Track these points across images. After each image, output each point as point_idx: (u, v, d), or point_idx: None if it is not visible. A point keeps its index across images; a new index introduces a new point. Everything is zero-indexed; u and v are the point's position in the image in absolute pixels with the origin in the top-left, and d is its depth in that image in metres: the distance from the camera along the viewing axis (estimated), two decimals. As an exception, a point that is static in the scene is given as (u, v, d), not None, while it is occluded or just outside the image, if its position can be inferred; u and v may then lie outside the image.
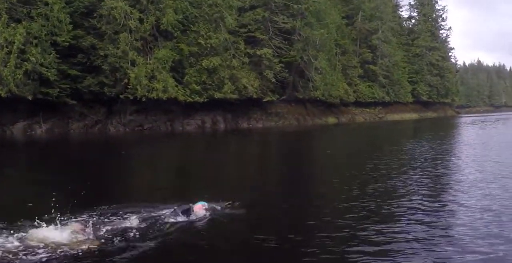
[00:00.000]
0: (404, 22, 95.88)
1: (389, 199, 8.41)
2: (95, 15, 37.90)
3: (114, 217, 7.30)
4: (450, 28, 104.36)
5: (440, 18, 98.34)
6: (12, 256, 5.51)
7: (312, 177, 13.06)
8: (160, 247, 6.06)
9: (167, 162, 18.81)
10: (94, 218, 7.19)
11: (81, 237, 6.26)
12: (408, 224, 6.66)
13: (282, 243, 5.85)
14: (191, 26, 43.39)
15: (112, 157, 19.87)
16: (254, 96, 48.25)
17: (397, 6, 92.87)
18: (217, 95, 43.75)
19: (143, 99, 37.64)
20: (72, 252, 5.68)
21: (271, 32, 52.45)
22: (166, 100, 39.25)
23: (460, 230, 6.28)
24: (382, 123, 63.93)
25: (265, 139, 32.53)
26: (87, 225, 6.62)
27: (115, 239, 6.23)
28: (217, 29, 44.54)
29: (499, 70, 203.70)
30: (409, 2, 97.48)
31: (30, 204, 8.58)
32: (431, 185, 9.87)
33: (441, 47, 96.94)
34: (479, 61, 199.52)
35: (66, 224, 6.57)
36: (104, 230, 6.61)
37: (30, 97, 32.68)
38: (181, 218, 7.34)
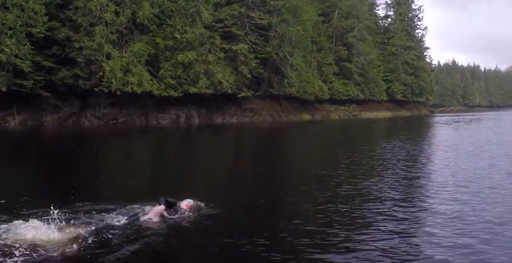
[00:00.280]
0: (380, 21, 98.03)
1: (360, 202, 8.33)
2: (70, 7, 38.44)
3: (99, 214, 7.24)
4: (426, 27, 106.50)
5: (416, 18, 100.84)
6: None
7: (284, 177, 12.87)
8: (147, 244, 6.05)
9: (140, 158, 18.67)
10: (71, 215, 7.09)
11: (71, 234, 6.17)
12: (376, 229, 6.56)
13: (251, 247, 5.75)
14: (167, 20, 44.22)
15: (85, 151, 19.78)
16: (229, 91, 49.33)
17: (373, 5, 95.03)
18: (192, 90, 44.68)
19: (118, 93, 38.25)
20: (62, 250, 5.60)
21: (247, 28, 53.55)
22: (141, 94, 39.95)
23: (429, 236, 6.23)
24: (356, 121, 65.13)
25: (239, 136, 33.09)
26: (77, 222, 6.64)
27: (103, 236, 6.20)
28: (193, 23, 45.46)
29: (473, 71, 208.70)
30: (386, 1, 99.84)
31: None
32: (402, 188, 9.81)
33: (417, 46, 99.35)
34: (454, 61, 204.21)
35: (56, 222, 6.47)
36: (90, 227, 6.50)
37: (4, 89, 33.12)
38: (165, 214, 7.31)
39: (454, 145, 20.97)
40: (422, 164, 14.55)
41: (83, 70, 38.18)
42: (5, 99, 34.74)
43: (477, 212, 7.49)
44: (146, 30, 42.36)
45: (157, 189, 9.94)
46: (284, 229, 6.68)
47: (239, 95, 52.09)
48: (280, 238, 6.28)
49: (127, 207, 7.61)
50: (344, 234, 6.35)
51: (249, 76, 52.47)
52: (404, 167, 13.19)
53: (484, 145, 20.68)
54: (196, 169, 14.66)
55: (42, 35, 35.71)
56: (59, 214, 6.64)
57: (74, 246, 5.76)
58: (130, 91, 38.70)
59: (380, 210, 7.69)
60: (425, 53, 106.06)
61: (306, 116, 65.04)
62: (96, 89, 38.11)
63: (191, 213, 7.50)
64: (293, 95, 59.42)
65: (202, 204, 7.85)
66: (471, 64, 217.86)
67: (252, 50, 53.65)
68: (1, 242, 5.80)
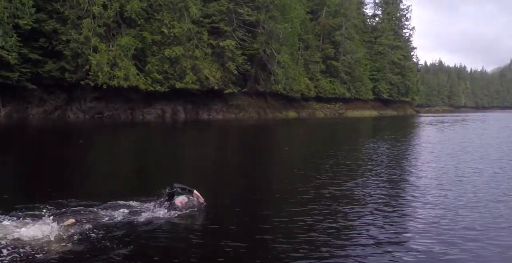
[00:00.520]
0: (368, 20, 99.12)
1: (342, 204, 8.36)
2: (58, -1, 38.53)
3: (84, 209, 7.30)
4: (413, 27, 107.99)
5: (404, 18, 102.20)
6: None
7: (266, 176, 12.81)
8: (135, 240, 6.10)
9: (125, 153, 18.56)
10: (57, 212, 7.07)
11: (73, 231, 6.18)
12: (357, 233, 6.58)
13: (231, 249, 5.78)
14: (155, 14, 44.67)
15: (69, 146, 19.61)
16: (216, 87, 49.95)
17: (361, 4, 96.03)
18: (179, 85, 45.25)
19: (104, 86, 38.64)
20: (63, 247, 5.64)
21: (235, 24, 54.19)
22: (127, 88, 40.38)
23: (410, 242, 6.28)
24: (342, 119, 65.59)
25: (225, 132, 33.38)
26: (78, 219, 6.63)
27: (104, 233, 6.21)
28: (181, 18, 45.99)
29: (460, 71, 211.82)
30: (374, 0, 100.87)
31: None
32: (386, 190, 9.77)
33: (404, 46, 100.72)
34: (440, 62, 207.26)
35: (58, 219, 6.53)
36: (92, 224, 6.54)
37: (-11, 81, 33.26)
38: (163, 211, 7.40)
39: (438, 147, 21.12)
40: (406, 165, 14.65)
41: (69, 63, 38.49)
42: (-9, 91, 34.86)
43: (460, 217, 7.53)
44: (133, 24, 42.78)
45: (141, 185, 10.20)
46: (264, 231, 6.67)
47: (225, 91, 52.74)
48: (260, 240, 6.27)
49: (111, 203, 7.65)
50: (324, 237, 6.33)
51: (235, 72, 53.17)
52: (388, 169, 13.19)
53: (468, 147, 20.82)
54: (180, 165, 14.84)
55: (29, 27, 35.96)
56: (44, 210, 6.86)
57: (61, 243, 5.75)
58: (116, 85, 39.09)
59: (362, 213, 7.70)
60: (412, 53, 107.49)
61: (292, 114, 65.86)
62: (82, 83, 38.44)
63: (184, 210, 7.51)
64: (279, 92, 60.23)
65: (195, 201, 7.86)
66: (458, 65, 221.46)
67: (240, 46, 54.32)
68: None
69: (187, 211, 7.52)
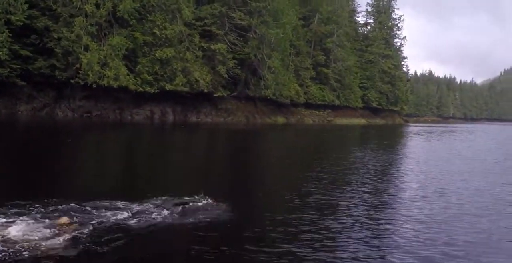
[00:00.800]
0: (359, 28, 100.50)
1: (326, 215, 8.35)
2: (51, -4, 38.79)
3: (71, 210, 7.33)
4: (404, 37, 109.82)
5: (396, 27, 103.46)
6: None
7: (252, 183, 12.81)
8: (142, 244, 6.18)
9: (112, 154, 18.46)
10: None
11: (68, 231, 6.23)
12: (339, 244, 6.63)
13: (214, 257, 5.85)
14: (148, 15, 45.10)
15: (56, 144, 19.58)
16: (205, 90, 50.42)
17: (354, 12, 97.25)
18: (168, 87, 45.68)
19: (94, 86, 38.91)
20: (58, 246, 5.67)
21: (227, 28, 54.78)
22: (116, 88, 40.69)
23: (396, 252, 6.35)
24: (330, 126, 66.43)
25: (213, 136, 33.53)
26: (73, 219, 6.66)
27: (99, 233, 6.32)
28: (173, 20, 46.51)
29: (449, 82, 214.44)
30: (366, 9, 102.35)
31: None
32: (370, 201, 9.84)
33: (394, 55, 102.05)
34: (430, 72, 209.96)
35: (52, 218, 6.63)
36: (89, 224, 6.65)
37: (-21, 76, 33.42)
38: (156, 213, 7.55)
39: (424, 158, 21.21)
40: (392, 176, 14.66)
41: (60, 61, 38.72)
42: (-20, 87, 35.00)
43: (442, 232, 7.55)
44: (125, 24, 43.14)
45: (127, 185, 10.37)
46: (249, 238, 6.66)
47: (215, 95, 53.22)
48: (245, 248, 6.24)
49: (99, 203, 7.79)
50: (305, 249, 6.33)
51: (226, 76, 53.77)
52: (374, 179, 13.19)
53: (455, 159, 20.97)
54: (165, 168, 14.79)
55: (21, 23, 36.12)
56: (31, 208, 6.98)
57: (51, 241, 5.78)
58: (106, 85, 39.38)
59: (345, 225, 7.72)
60: (402, 63, 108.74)
61: (281, 119, 66.54)
62: (72, 81, 38.68)
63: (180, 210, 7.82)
64: (269, 98, 60.89)
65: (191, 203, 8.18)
66: (448, 76, 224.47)
67: (231, 50, 54.93)
68: None
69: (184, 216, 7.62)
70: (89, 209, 7.47)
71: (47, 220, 6.55)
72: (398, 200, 10.33)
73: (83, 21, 39.02)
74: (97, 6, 40.24)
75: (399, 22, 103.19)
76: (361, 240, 6.84)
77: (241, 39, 56.74)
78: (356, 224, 7.76)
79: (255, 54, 57.12)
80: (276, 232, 7.05)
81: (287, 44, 63.72)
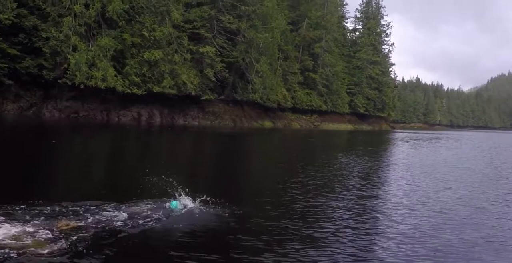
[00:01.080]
0: (348, 34, 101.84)
1: (310, 221, 8.35)
2: (40, -5, 38.97)
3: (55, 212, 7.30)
4: (393, 44, 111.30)
5: (384, 34, 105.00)
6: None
7: (236, 188, 12.72)
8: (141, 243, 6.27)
9: (98, 156, 18.21)
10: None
11: (68, 233, 6.27)
12: (323, 250, 6.66)
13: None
14: (137, 16, 45.46)
15: (42, 145, 19.44)
16: (193, 93, 50.88)
17: (343, 17, 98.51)
18: (156, 89, 46.03)
19: (81, 86, 39.04)
20: (59, 249, 5.67)
21: (215, 31, 55.36)
22: (104, 89, 40.88)
23: (378, 261, 6.38)
24: (317, 131, 66.96)
25: (199, 139, 33.55)
26: (72, 222, 6.73)
27: (99, 234, 6.39)
28: (162, 22, 46.89)
29: (436, 89, 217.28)
30: (355, 15, 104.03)
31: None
32: (355, 208, 9.85)
33: (382, 61, 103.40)
34: (418, 79, 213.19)
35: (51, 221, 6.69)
36: (89, 225, 6.72)
37: (-35, 74, 33.47)
38: (159, 214, 7.64)
39: (410, 165, 21.26)
40: (377, 183, 14.64)
41: (48, 61, 38.83)
42: (-34, 85, 35.06)
43: (426, 240, 7.57)
44: (114, 25, 43.37)
45: (112, 189, 10.21)
46: (230, 245, 6.65)
47: (202, 98, 53.68)
48: (226, 256, 6.22)
49: (80, 207, 7.72)
50: (290, 255, 6.34)
51: (213, 79, 54.25)
52: (358, 186, 13.24)
53: (440, 166, 21.01)
54: (152, 170, 13.76)
55: (10, 22, 36.18)
56: (17, 209, 6.98)
57: (39, 244, 5.75)
58: (93, 86, 39.50)
59: (329, 232, 7.73)
60: (390, 69, 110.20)
61: (268, 123, 67.23)
62: (59, 81, 38.79)
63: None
64: (256, 101, 61.49)
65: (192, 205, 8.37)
66: (435, 83, 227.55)
67: (219, 53, 55.42)
68: None
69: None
70: (78, 210, 7.44)
71: (40, 223, 6.50)
72: (382, 208, 10.23)
73: (72, 21, 39.17)
74: (86, 6, 40.42)
75: (387, 29, 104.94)
76: (343, 249, 6.84)
77: (230, 42, 57.37)
78: (339, 232, 7.76)
79: (243, 57, 57.75)
80: (259, 238, 7.00)
81: (276, 49, 64.49)
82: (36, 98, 40.04)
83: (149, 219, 7.41)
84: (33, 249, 5.56)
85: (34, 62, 38.38)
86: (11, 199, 7.71)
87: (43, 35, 38.52)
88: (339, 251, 6.69)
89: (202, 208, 8.47)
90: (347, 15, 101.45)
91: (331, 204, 10.16)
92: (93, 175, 13.11)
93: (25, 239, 5.85)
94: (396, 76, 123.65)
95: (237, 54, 57.43)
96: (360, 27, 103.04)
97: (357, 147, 33.09)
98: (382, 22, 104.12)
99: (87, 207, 7.77)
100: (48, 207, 7.47)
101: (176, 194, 8.52)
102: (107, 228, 6.75)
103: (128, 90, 43.43)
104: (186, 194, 8.71)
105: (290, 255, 6.33)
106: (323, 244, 7.00)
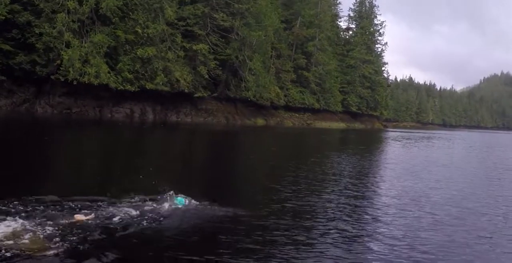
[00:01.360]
0: (341, 33, 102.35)
1: (303, 220, 8.40)
2: (34, -9, 39.01)
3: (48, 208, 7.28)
4: (386, 43, 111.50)
5: (377, 33, 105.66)
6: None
7: (226, 186, 12.63)
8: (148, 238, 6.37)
9: (90, 153, 18.05)
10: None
11: (91, 226, 6.49)
12: (311, 251, 6.64)
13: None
14: (130, 13, 45.62)
15: (34, 141, 19.30)
16: (186, 90, 51.13)
17: (336, 16, 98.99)
18: (149, 86, 46.25)
19: (74, 82, 39.09)
20: (57, 246, 5.66)
21: (209, 29, 55.61)
22: (97, 86, 40.96)
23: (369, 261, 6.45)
24: (309, 129, 67.50)
25: (192, 136, 33.77)
26: (89, 216, 6.86)
27: (99, 231, 6.43)
28: (156, 19, 47.10)
29: (429, 89, 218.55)
30: (349, 14, 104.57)
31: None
32: (345, 208, 9.81)
33: (375, 61, 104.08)
34: (410, 78, 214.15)
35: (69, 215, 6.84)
36: (103, 220, 6.85)
37: (-42, 69, 33.48)
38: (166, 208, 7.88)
39: (401, 164, 21.34)
40: (368, 182, 14.58)
41: (41, 57, 38.88)
42: (-41, 80, 35.07)
43: (416, 239, 7.63)
44: (108, 22, 43.46)
45: (105, 185, 10.04)
46: (220, 244, 6.63)
47: (195, 95, 53.94)
48: (215, 255, 6.20)
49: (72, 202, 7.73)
50: (281, 255, 6.33)
51: (206, 76, 54.53)
52: (350, 185, 13.27)
53: (431, 166, 21.11)
54: (141, 167, 14.55)
55: (3, 18, 36.09)
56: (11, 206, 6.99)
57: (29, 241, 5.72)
58: (86, 82, 39.59)
59: (320, 232, 7.74)
60: (383, 68, 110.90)
61: (260, 121, 67.62)
62: (52, 77, 38.84)
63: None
64: (249, 99, 61.85)
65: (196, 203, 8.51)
66: (428, 82, 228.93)
67: (212, 51, 55.68)
68: None
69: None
70: (73, 208, 7.43)
71: (37, 220, 6.49)
72: (373, 208, 10.20)
73: (65, 17, 39.20)
74: (80, 2, 40.40)
75: (380, 28, 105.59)
76: (333, 250, 6.80)
77: (223, 40, 57.62)
78: (329, 233, 7.73)
79: (237, 55, 58.02)
80: (250, 237, 7.05)
81: (269, 47, 64.92)
82: (29, 94, 40.07)
83: (143, 217, 7.41)
84: (31, 247, 5.51)
85: (27, 58, 38.39)
86: (3, 195, 7.66)
87: (37, 31, 38.53)
88: (328, 252, 6.69)
89: (194, 206, 8.55)
90: (341, 14, 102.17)
91: (322, 204, 10.19)
92: (86, 172, 13.17)
93: (22, 236, 5.77)
94: (389, 75, 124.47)
95: (230, 51, 57.71)
96: (353, 26, 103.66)
97: (349, 146, 33.29)
98: (376, 22, 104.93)
99: (82, 203, 7.75)
100: (42, 205, 7.41)
101: (169, 193, 8.50)
102: (106, 225, 6.74)
103: (121, 87, 43.54)
104: (177, 193, 8.67)
105: (280, 256, 6.31)
106: (314, 245, 6.98)
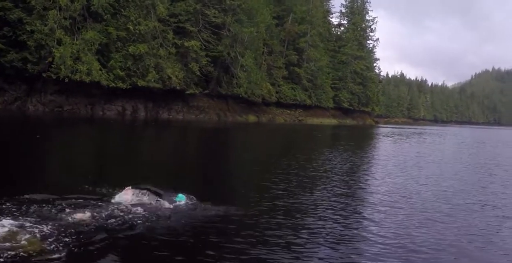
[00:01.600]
0: (333, 29, 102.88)
1: (293, 218, 8.45)
2: (25, -12, 39.02)
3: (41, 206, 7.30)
4: (377, 39, 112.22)
5: (369, 29, 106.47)
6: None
7: (221, 184, 12.81)
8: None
9: (81, 151, 18.15)
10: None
11: (88, 225, 6.56)
12: (310, 247, 6.76)
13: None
14: (122, 10, 45.75)
15: (25, 140, 19.32)
16: (178, 87, 51.44)
17: (328, 12, 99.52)
18: (141, 83, 46.45)
19: (66, 80, 39.24)
20: (55, 246, 5.69)
21: (201, 25, 55.89)
22: (88, 83, 41.09)
23: (360, 258, 6.49)
24: (301, 126, 67.89)
25: (183, 134, 34.04)
26: (91, 214, 6.95)
27: (96, 229, 6.51)
28: (148, 16, 47.29)
29: (420, 85, 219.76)
30: (340, 10, 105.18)
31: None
32: (337, 205, 9.86)
33: (367, 57, 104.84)
34: (402, 74, 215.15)
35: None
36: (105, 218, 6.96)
37: (-51, 67, 33.49)
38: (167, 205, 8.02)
39: (393, 160, 21.47)
40: (360, 179, 14.77)
41: (32, 54, 38.89)
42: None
43: (407, 237, 7.67)
44: (99, 19, 43.61)
45: (96, 183, 9.94)
46: (210, 245, 6.61)
47: (187, 92, 54.27)
48: (206, 254, 6.21)
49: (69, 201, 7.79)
50: (271, 255, 6.34)
51: (198, 73, 54.79)
52: (341, 182, 13.32)
53: (422, 162, 21.30)
54: (134, 164, 15.08)
55: (-6, 15, 36.34)
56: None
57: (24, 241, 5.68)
58: (78, 80, 39.75)
59: (311, 229, 7.79)
60: (374, 64, 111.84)
61: (252, 118, 68.05)
62: (44, 75, 38.90)
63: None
64: (241, 96, 62.21)
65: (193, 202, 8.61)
66: (419, 78, 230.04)
67: (204, 47, 55.96)
68: None
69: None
70: (66, 206, 7.42)
71: (33, 219, 6.49)
72: (364, 206, 10.28)
73: (57, 14, 39.23)
74: (71, -1, 40.62)
75: (372, 24, 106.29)
76: (323, 248, 6.84)
77: (215, 36, 57.87)
78: (320, 230, 7.78)
79: (228, 52, 58.30)
80: (241, 236, 7.08)
81: (260, 43, 65.42)
82: (21, 92, 40.12)
83: (139, 215, 7.43)
84: (28, 247, 5.47)
85: (19, 55, 38.37)
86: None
87: (28, 29, 38.51)
88: (319, 250, 6.73)
89: (192, 203, 8.63)
90: (332, 10, 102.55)
91: (313, 202, 10.21)
92: (79, 170, 13.20)
93: (19, 237, 5.67)
94: (381, 71, 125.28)
95: (222, 48, 57.96)
96: (345, 22, 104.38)
97: (340, 142, 33.43)
98: (367, 18, 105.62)
99: (77, 201, 7.79)
100: (36, 204, 7.38)
101: (161, 192, 8.49)
102: (103, 224, 6.78)
103: (113, 84, 43.73)
104: (168, 190, 8.76)
105: (271, 256, 6.31)
106: (305, 244, 6.99)
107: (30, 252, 5.39)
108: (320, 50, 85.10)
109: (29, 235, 5.80)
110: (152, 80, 47.19)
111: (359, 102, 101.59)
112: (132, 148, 20.75)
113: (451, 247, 7.30)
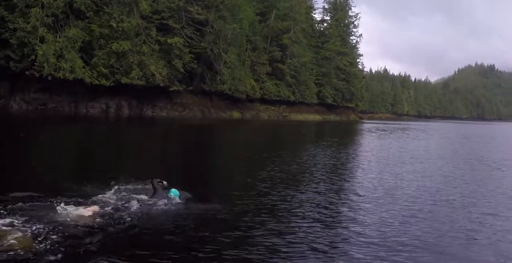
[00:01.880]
0: (316, 25, 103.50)
1: (277, 216, 8.50)
2: (7, -15, 39.11)
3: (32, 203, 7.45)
4: (360, 35, 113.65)
5: (352, 25, 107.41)
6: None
7: (204, 182, 12.76)
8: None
9: (66, 149, 18.37)
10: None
11: (77, 222, 6.66)
12: (295, 245, 6.81)
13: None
14: (105, 7, 45.87)
15: (10, 139, 19.36)
16: (161, 84, 51.85)
17: (311, 8, 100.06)
18: (124, 80, 46.79)
19: (49, 78, 39.47)
20: (48, 244, 5.81)
21: (184, 22, 56.25)
22: (72, 81, 41.35)
23: (344, 256, 6.55)
24: (285, 122, 68.68)
25: (167, 131, 34.66)
26: (80, 212, 7.04)
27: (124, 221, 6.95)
28: (130, 13, 47.59)
29: (404, 80, 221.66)
30: (323, 6, 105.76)
31: None
32: (322, 204, 9.88)
33: (350, 52, 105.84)
34: (385, 69, 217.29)
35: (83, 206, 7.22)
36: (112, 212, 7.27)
37: None
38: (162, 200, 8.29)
39: (376, 156, 21.72)
40: (344, 175, 14.84)
41: (15, 52, 39.02)
42: None
43: (393, 232, 7.85)
44: (82, 16, 43.83)
45: (79, 181, 9.92)
46: (197, 241, 6.71)
47: (170, 89, 54.69)
48: (194, 251, 6.29)
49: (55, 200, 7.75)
50: (256, 254, 6.41)
51: (182, 70, 55.24)
52: (326, 178, 13.43)
53: (407, 158, 21.50)
54: (123, 163, 15.35)
55: (-24, 13, 36.40)
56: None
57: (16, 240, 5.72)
58: (61, 77, 39.95)
59: (297, 226, 7.92)
60: (358, 60, 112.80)
61: (236, 114, 68.72)
62: (27, 73, 39.02)
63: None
64: (224, 92, 62.85)
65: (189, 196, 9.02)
66: (402, 74, 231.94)
67: (187, 44, 56.46)
68: None
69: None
70: (57, 204, 7.43)
71: (27, 217, 6.60)
72: (350, 202, 10.38)
73: (39, 12, 39.37)
74: (54, -4, 40.72)
75: (355, 20, 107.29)
76: (310, 244, 6.95)
77: (198, 33, 58.37)
78: (306, 227, 7.88)
79: (212, 48, 58.81)
80: (223, 235, 7.14)
81: (244, 40, 65.98)
82: (4, 90, 40.25)
83: (124, 212, 7.59)
84: (19, 245, 5.52)
85: (1, 53, 38.47)
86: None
87: (10, 26, 38.64)
88: (306, 246, 6.83)
89: (185, 199, 8.85)
90: (315, 6, 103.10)
91: (298, 198, 10.36)
92: (64, 167, 13.43)
93: (9, 235, 5.73)
94: (364, 67, 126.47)
95: (206, 45, 58.46)
96: (328, 18, 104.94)
97: (324, 138, 33.81)
98: (350, 14, 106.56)
99: (64, 199, 7.79)
100: (23, 202, 7.46)
101: (162, 185, 8.93)
102: (92, 221, 6.90)
103: (96, 82, 43.99)
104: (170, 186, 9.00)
105: (259, 250, 6.47)
106: (291, 239, 7.10)
107: (21, 250, 5.46)
108: (303, 46, 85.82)
109: (20, 234, 5.83)
110: (136, 77, 47.54)
111: (343, 97, 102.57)
112: (118, 146, 21.29)
113: (434, 245, 7.38)
